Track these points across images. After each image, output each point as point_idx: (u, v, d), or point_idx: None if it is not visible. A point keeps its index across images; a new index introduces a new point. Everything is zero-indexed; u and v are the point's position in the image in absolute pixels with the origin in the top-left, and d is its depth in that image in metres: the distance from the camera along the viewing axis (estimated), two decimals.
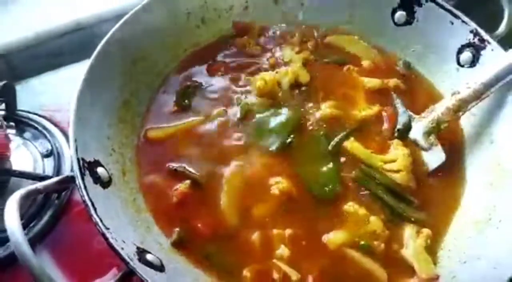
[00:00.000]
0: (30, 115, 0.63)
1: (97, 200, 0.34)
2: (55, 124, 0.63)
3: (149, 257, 0.34)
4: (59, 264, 0.51)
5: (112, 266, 0.50)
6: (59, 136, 0.61)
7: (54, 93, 0.67)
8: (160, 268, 0.33)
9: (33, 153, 0.59)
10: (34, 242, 0.52)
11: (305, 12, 0.60)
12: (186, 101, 0.51)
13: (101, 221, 0.32)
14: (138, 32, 0.48)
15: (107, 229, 0.32)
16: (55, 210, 0.54)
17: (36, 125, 0.62)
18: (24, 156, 0.58)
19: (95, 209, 0.33)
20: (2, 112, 0.60)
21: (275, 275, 0.39)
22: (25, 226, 0.52)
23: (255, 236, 0.41)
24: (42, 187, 0.37)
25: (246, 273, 0.39)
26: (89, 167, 0.36)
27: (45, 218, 0.53)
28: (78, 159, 0.36)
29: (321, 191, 0.44)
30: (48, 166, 0.58)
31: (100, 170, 0.38)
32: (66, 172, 0.57)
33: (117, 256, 0.33)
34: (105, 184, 0.37)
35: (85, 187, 0.35)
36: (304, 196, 0.44)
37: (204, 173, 0.45)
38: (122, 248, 0.32)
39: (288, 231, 0.41)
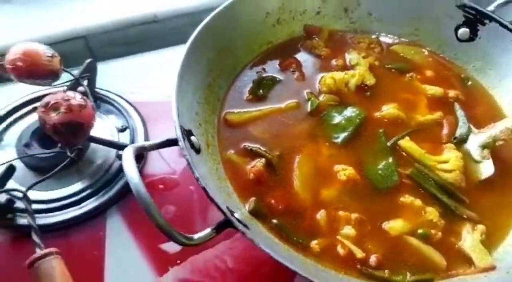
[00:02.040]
0: (108, 94, 0.69)
1: (193, 162, 0.39)
2: (130, 104, 0.69)
3: (237, 215, 0.38)
4: (129, 226, 0.56)
5: None
6: (133, 115, 0.67)
7: (128, 76, 0.73)
8: (246, 227, 0.38)
9: (109, 126, 0.65)
10: (107, 205, 0.57)
11: (372, 22, 0.65)
12: (261, 91, 0.56)
13: (200, 177, 0.37)
14: (226, 24, 0.53)
15: (206, 185, 0.37)
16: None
17: (113, 102, 0.68)
18: (102, 128, 0.63)
19: (195, 167, 0.38)
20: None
21: (340, 250, 0.43)
22: (99, 190, 0.58)
23: (322, 214, 0.46)
24: (148, 145, 0.42)
25: (314, 245, 0.43)
26: (186, 134, 0.41)
27: (119, 184, 0.59)
28: (180, 125, 0.41)
29: (381, 182, 0.48)
30: (123, 139, 0.64)
31: (193, 138, 0.43)
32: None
33: (216, 208, 0.37)
34: (197, 151, 0.42)
35: (187, 148, 0.40)
36: (366, 185, 0.48)
37: (275, 156, 0.50)
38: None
39: (354, 215, 0.45)
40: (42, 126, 0.52)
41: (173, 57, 0.75)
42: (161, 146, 0.42)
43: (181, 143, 0.40)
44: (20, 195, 0.51)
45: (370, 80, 0.58)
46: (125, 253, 0.53)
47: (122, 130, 0.65)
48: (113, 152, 0.61)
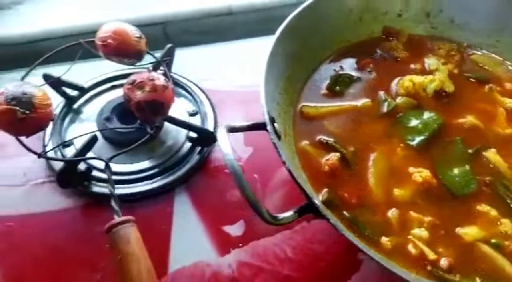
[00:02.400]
0: (181, 78, 0.72)
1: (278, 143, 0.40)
2: (201, 90, 0.71)
3: (316, 201, 0.39)
4: (195, 206, 0.58)
5: (240, 218, 0.57)
6: (204, 100, 0.69)
7: (200, 64, 0.76)
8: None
9: (181, 110, 0.68)
10: (176, 184, 0.60)
11: (454, 29, 0.64)
12: (337, 87, 0.57)
13: (287, 161, 0.39)
14: (310, 19, 0.55)
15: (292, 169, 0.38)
16: (196, 161, 0.61)
17: (186, 87, 0.71)
18: (175, 110, 0.66)
19: (280, 149, 0.39)
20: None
21: (412, 250, 0.43)
22: (169, 168, 0.61)
23: (394, 213, 0.46)
24: (238, 126, 0.44)
25: (386, 242, 0.43)
26: (271, 120, 0.43)
27: (187, 166, 0.61)
28: (267, 111, 0.42)
29: (457, 188, 0.48)
30: (193, 122, 0.66)
31: (276, 125, 0.44)
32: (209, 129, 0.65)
33: (300, 191, 0.39)
34: (278, 137, 0.43)
35: (273, 131, 0.41)
36: (440, 189, 0.48)
37: (350, 151, 0.50)
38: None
39: (427, 217, 0.45)
40: (126, 102, 0.55)
41: (243, 50, 0.79)
42: (249, 128, 0.44)
43: (269, 127, 0.42)
44: (102, 164, 0.54)
45: (449, 87, 0.57)
46: (190, 230, 0.55)
47: (193, 114, 0.68)
48: (183, 134, 0.64)
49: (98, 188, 0.58)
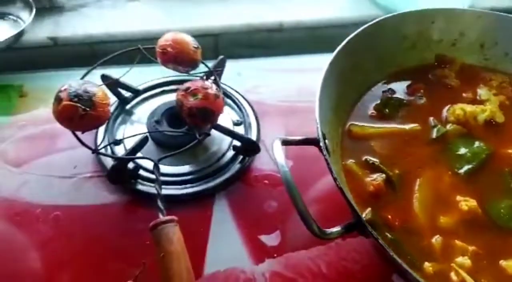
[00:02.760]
0: (228, 89, 0.74)
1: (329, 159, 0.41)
2: (247, 101, 0.73)
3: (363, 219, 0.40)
4: (233, 212, 0.59)
5: (276, 229, 0.57)
6: (249, 111, 0.71)
7: (247, 76, 0.78)
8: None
9: (227, 119, 0.70)
10: (216, 190, 0.61)
11: (507, 62, 0.64)
12: (386, 110, 0.57)
13: (338, 177, 0.39)
14: (365, 42, 0.56)
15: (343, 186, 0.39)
16: (237, 170, 0.63)
17: (233, 97, 0.73)
18: (221, 118, 0.67)
19: (331, 165, 0.40)
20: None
21: (454, 277, 0.43)
22: (211, 174, 0.62)
23: (438, 240, 0.46)
24: (291, 140, 0.46)
25: (428, 267, 0.43)
26: (323, 136, 0.44)
27: (228, 173, 0.62)
28: (320, 127, 0.43)
29: (502, 221, 0.47)
30: (237, 131, 0.68)
31: (326, 141, 0.45)
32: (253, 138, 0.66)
33: (350, 209, 0.39)
34: (328, 153, 0.44)
35: (325, 148, 0.42)
36: (486, 220, 0.47)
37: (396, 174, 0.50)
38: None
39: (471, 247, 0.45)
40: (179, 107, 0.57)
41: (290, 65, 0.81)
42: (301, 142, 0.45)
43: (321, 143, 0.43)
44: (150, 164, 0.56)
45: (499, 118, 0.57)
46: (227, 236, 0.57)
47: (237, 124, 0.70)
48: (227, 142, 0.66)
49: (143, 187, 0.60)
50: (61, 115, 0.53)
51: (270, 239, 0.56)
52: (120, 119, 0.69)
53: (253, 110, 0.71)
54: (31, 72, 0.76)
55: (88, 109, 0.51)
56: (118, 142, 0.65)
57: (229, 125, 0.68)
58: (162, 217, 0.49)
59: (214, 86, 0.58)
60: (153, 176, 0.58)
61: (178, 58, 0.60)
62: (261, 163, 0.64)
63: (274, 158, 0.42)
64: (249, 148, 0.63)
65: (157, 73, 0.73)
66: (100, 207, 0.59)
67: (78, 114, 0.51)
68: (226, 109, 0.71)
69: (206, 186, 0.61)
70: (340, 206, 0.44)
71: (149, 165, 0.59)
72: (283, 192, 0.61)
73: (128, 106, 0.71)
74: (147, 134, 0.60)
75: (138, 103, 0.72)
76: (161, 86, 0.74)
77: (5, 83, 0.74)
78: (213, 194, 0.61)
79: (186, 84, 0.58)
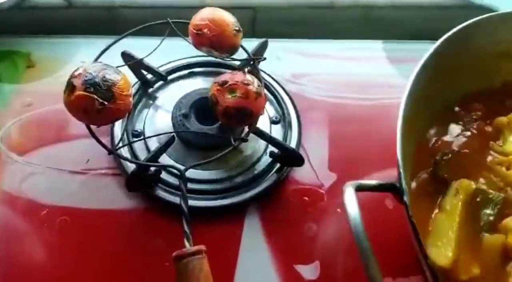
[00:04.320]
0: (267, 77, 0.64)
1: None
2: (287, 93, 0.63)
3: None
4: (266, 233, 0.52)
5: (316, 258, 0.50)
6: (289, 107, 0.62)
7: (289, 61, 0.68)
8: None
9: (263, 115, 0.60)
10: (249, 202, 0.53)
11: None
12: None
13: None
14: (455, 48, 0.45)
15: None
16: (273, 180, 0.55)
17: (271, 89, 0.63)
18: None
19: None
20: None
21: None
22: (245, 183, 0.54)
23: None
24: (368, 185, 0.37)
25: None
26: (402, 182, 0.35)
27: (264, 184, 0.54)
28: (403, 172, 0.34)
29: None
30: (274, 132, 0.59)
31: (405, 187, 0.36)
32: (292, 146, 0.57)
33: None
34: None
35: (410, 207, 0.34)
36: None
37: None
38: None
39: None
40: (212, 104, 0.49)
41: (342, 51, 0.70)
42: (380, 188, 0.36)
43: (405, 197, 0.34)
44: (176, 172, 0.48)
45: None
46: (258, 261, 0.50)
47: (275, 122, 0.61)
48: (262, 144, 0.57)
49: (165, 194, 0.52)
50: (74, 107, 0.44)
51: (308, 271, 0.49)
52: (141, 105, 0.60)
53: (294, 106, 0.62)
54: (40, 37, 0.66)
55: (106, 102, 0.43)
56: (138, 134, 0.57)
57: (266, 123, 0.59)
58: (188, 247, 0.42)
59: (256, 82, 0.49)
60: (176, 182, 0.51)
61: (215, 42, 0.50)
62: (301, 174, 0.56)
63: (345, 208, 0.33)
64: (291, 159, 0.54)
65: (186, 49, 0.62)
66: (114, 213, 0.51)
67: (95, 108, 0.43)
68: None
69: (236, 198, 0.53)
70: None
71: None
72: (325, 212, 0.54)
73: (150, 90, 0.62)
74: (174, 134, 0.51)
75: (162, 86, 0.62)
76: (190, 68, 0.64)
77: (11, 49, 0.64)
78: (245, 209, 0.53)
79: (223, 78, 0.48)
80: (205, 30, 0.50)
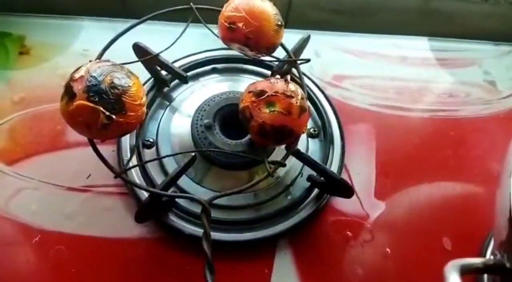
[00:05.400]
0: (305, 79, 0.55)
1: None
2: (328, 100, 0.54)
3: None
4: (299, 272, 0.44)
5: None
6: (331, 117, 0.53)
7: (330, 58, 0.59)
8: None
9: None
10: (279, 235, 0.45)
11: None
12: None
13: None
14: None
15: None
16: (310, 210, 0.46)
17: (310, 93, 0.54)
18: None
19: None
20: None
21: None
22: (277, 213, 0.46)
23: None
24: (474, 267, 0.28)
25: None
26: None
27: (299, 214, 0.46)
28: None
29: None
30: (312, 148, 0.51)
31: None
32: (333, 166, 0.49)
33: None
34: None
35: None
36: None
37: None
38: None
39: None
40: (245, 119, 0.40)
41: (388, 49, 0.60)
42: (483, 270, 0.28)
43: None
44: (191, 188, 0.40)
45: None
46: None
47: (313, 136, 0.52)
48: (297, 165, 0.48)
49: (181, 221, 0.44)
50: (74, 119, 0.35)
51: None
52: (155, 106, 0.52)
53: (337, 116, 0.53)
54: (36, 17, 0.57)
55: (114, 115, 0.34)
56: (150, 144, 0.48)
57: (303, 137, 0.50)
58: None
59: (300, 93, 0.39)
60: (194, 208, 0.43)
61: (252, 40, 0.41)
62: (343, 202, 0.48)
63: None
64: (336, 187, 0.45)
65: (206, 39, 0.53)
66: (120, 242, 0.43)
67: (100, 123, 0.34)
68: None
69: (266, 231, 0.45)
70: None
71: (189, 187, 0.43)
72: (371, 251, 0.46)
73: (166, 89, 0.53)
74: (195, 153, 0.42)
75: (180, 85, 0.53)
76: (213, 63, 0.55)
77: (1, 30, 0.55)
78: (274, 243, 0.45)
79: (260, 85, 0.39)
80: (240, 24, 0.41)
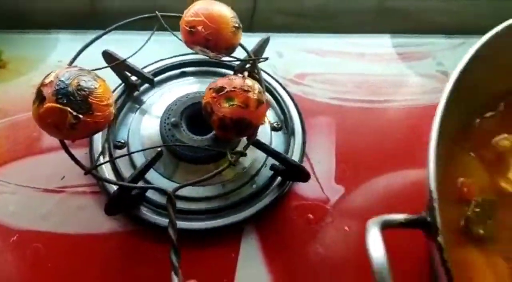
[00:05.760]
0: (268, 78, 0.59)
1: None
2: (290, 96, 0.58)
3: None
4: (265, 257, 0.47)
5: None
6: (292, 112, 0.57)
7: (292, 60, 0.63)
8: None
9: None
10: (246, 222, 0.48)
11: None
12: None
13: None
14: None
15: None
16: (274, 196, 0.50)
17: (272, 90, 0.58)
18: None
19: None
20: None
21: None
22: (243, 201, 0.49)
23: None
24: (395, 222, 0.31)
25: None
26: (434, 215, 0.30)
27: (263, 201, 0.49)
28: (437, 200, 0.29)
29: None
30: (275, 141, 0.54)
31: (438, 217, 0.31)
32: (295, 156, 0.52)
33: None
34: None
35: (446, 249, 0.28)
36: None
37: None
38: None
39: None
40: (207, 114, 0.43)
41: (347, 47, 0.64)
42: (408, 224, 0.31)
43: (440, 238, 0.29)
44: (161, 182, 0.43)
45: None
46: None
47: (276, 129, 0.55)
48: (261, 156, 0.52)
49: (152, 214, 0.47)
50: (44, 121, 0.38)
51: None
52: (126, 110, 0.55)
53: (298, 111, 0.56)
54: (13, 32, 0.60)
55: (81, 115, 0.37)
56: (121, 145, 0.51)
57: (267, 131, 0.54)
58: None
59: (257, 87, 0.43)
60: (163, 202, 0.46)
61: (211, 41, 0.45)
62: (304, 188, 0.51)
63: (368, 252, 0.28)
64: (295, 173, 0.49)
65: (176, 46, 0.56)
66: (94, 237, 0.46)
67: (68, 122, 0.37)
68: None
69: (232, 218, 0.48)
70: None
71: (159, 182, 0.46)
72: (331, 231, 0.49)
73: (136, 93, 0.56)
74: (162, 148, 0.46)
75: (149, 89, 0.57)
76: (181, 67, 0.59)
77: None
78: (241, 228, 0.48)
79: (220, 82, 0.43)
80: (200, 28, 0.44)
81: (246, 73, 0.46)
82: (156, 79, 0.56)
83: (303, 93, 0.59)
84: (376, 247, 0.28)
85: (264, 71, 0.59)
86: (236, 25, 0.46)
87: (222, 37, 0.45)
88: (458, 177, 0.41)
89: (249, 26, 0.67)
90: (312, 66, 0.61)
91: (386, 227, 0.29)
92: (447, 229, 0.37)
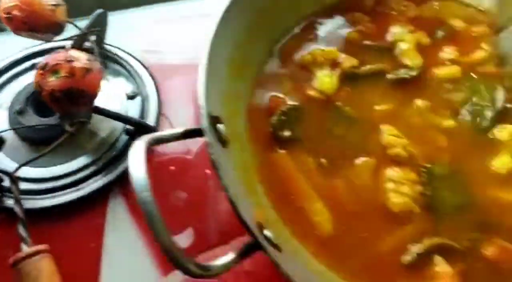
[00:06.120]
0: (118, 51, 0.61)
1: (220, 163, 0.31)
2: (143, 65, 0.61)
3: (266, 232, 0.31)
4: (133, 214, 0.50)
5: (187, 225, 0.49)
6: (146, 79, 0.59)
7: (142, 32, 0.65)
8: (278, 247, 0.31)
9: (118, 92, 0.58)
10: (110, 187, 0.51)
11: None
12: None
13: (229, 186, 0.30)
14: None
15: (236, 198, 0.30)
16: None
17: (123, 63, 0.60)
18: (108, 93, 0.56)
19: (223, 170, 0.31)
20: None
21: None
22: (102, 168, 0.52)
23: None
24: (169, 136, 0.35)
25: None
26: (212, 122, 0.34)
27: (125, 164, 0.52)
28: (208, 110, 0.33)
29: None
30: (132, 108, 0.57)
31: (220, 126, 0.35)
32: (150, 117, 0.55)
33: (243, 228, 0.30)
34: (224, 143, 0.35)
35: (213, 142, 0.32)
36: None
37: None
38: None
39: None
40: (40, 93, 0.45)
41: (196, 12, 0.67)
42: (181, 137, 0.35)
43: (208, 136, 0.33)
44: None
45: None
46: (126, 245, 0.48)
47: (131, 97, 0.58)
48: (120, 124, 0.54)
49: (10, 201, 0.48)
50: None
51: (181, 240, 0.48)
52: None
53: (152, 77, 0.59)
54: None
55: None
56: None
57: (122, 100, 0.57)
58: (24, 249, 0.39)
59: (83, 56, 0.45)
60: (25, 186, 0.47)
61: (30, 23, 0.47)
62: (165, 145, 0.54)
63: (129, 167, 0.31)
64: (145, 132, 0.52)
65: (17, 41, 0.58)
66: None
67: None
68: (117, 79, 0.59)
69: (96, 185, 0.50)
70: None
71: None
72: (194, 177, 0.52)
73: None
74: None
75: (2, 87, 0.58)
76: (30, 59, 0.60)
77: None
78: (106, 194, 0.50)
79: (44, 59, 0.45)
80: (15, 12, 0.46)
81: (69, 45, 0.48)
82: (8, 74, 0.57)
83: (159, 60, 0.62)
84: (137, 166, 0.30)
85: (117, 47, 0.61)
86: (53, 3, 0.48)
87: (40, 17, 0.47)
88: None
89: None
90: (163, 34, 0.65)
91: (158, 142, 0.33)
92: (256, 138, 0.42)
